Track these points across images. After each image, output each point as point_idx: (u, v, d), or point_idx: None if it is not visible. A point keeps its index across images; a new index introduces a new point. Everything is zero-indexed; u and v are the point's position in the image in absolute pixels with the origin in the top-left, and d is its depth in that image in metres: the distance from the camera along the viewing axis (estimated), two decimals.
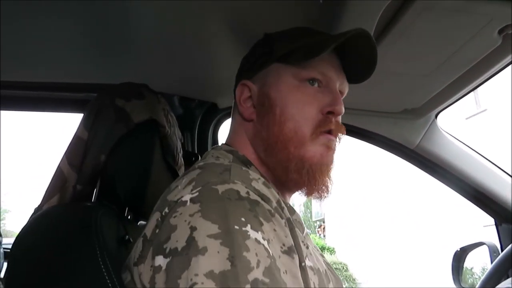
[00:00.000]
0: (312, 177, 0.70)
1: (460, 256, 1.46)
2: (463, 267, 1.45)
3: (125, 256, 0.80)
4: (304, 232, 0.71)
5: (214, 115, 1.49)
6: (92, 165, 0.84)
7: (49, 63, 1.26)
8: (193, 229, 0.52)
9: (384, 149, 1.41)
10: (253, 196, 0.57)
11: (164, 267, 0.53)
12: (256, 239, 0.52)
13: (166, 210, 0.58)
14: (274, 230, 0.55)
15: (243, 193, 0.57)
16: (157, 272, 0.53)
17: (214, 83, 1.34)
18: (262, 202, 0.58)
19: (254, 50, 0.80)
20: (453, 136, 1.34)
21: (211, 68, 1.25)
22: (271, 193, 0.62)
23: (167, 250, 0.53)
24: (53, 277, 0.65)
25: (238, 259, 0.49)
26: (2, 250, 0.62)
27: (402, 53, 0.93)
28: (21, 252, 0.69)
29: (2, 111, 1.58)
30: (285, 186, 0.74)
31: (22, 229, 0.75)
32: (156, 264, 0.54)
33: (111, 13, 0.98)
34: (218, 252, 0.50)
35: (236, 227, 0.52)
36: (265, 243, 0.52)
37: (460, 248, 1.48)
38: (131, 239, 0.84)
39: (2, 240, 0.61)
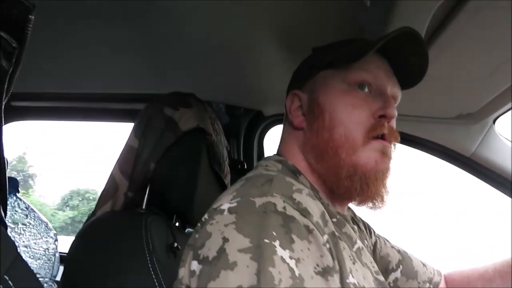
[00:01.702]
0: (365, 184, 0.66)
1: None
2: None
3: (173, 262, 0.82)
4: (355, 247, 0.69)
5: (260, 123, 1.49)
6: (143, 173, 0.87)
7: (102, 75, 1.32)
8: (225, 240, 0.52)
9: (437, 157, 1.34)
10: (290, 211, 0.56)
11: (197, 273, 0.53)
12: (282, 257, 0.50)
13: (206, 216, 0.59)
14: (308, 249, 0.53)
15: (279, 207, 0.56)
16: (192, 276, 0.54)
17: (260, 91, 1.35)
18: (300, 217, 0.56)
19: (303, 63, 0.81)
20: None
21: (257, 77, 1.25)
22: (316, 206, 0.60)
23: (201, 256, 0.54)
24: (105, 281, 0.66)
25: (263, 274, 0.48)
26: (58, 254, 0.65)
27: (456, 54, 0.88)
28: (76, 257, 0.72)
29: (58, 121, 1.67)
30: (337, 194, 0.71)
31: (77, 234, 0.78)
32: (192, 268, 0.55)
33: (160, 25, 1.01)
34: (247, 266, 0.49)
35: (266, 240, 0.51)
36: (292, 262, 0.51)
37: None
38: (179, 246, 0.86)
39: (58, 245, 0.64)
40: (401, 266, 0.90)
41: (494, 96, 1.07)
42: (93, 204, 0.88)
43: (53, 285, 0.61)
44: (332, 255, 0.56)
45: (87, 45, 1.12)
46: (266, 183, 0.61)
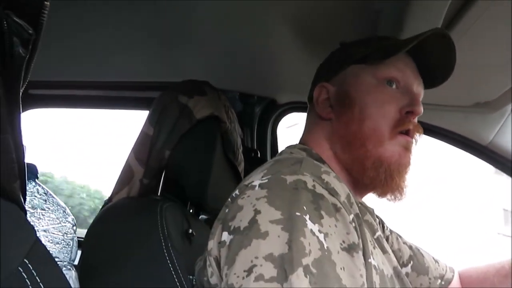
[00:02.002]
0: (389, 176, 0.69)
1: None
2: None
3: (188, 248, 0.83)
4: (376, 234, 0.70)
5: (274, 111, 1.48)
6: (158, 160, 0.88)
7: (117, 63, 1.33)
8: (257, 212, 0.54)
9: (454, 146, 1.33)
10: (319, 189, 0.58)
11: (227, 243, 0.56)
12: (311, 230, 0.52)
13: (237, 192, 0.61)
14: (335, 225, 0.55)
15: (309, 185, 0.58)
16: (222, 247, 0.57)
17: (273, 79, 1.34)
18: (328, 196, 0.58)
19: (331, 57, 0.83)
20: None
21: (271, 65, 1.24)
22: (342, 187, 0.62)
23: (232, 227, 0.56)
24: (122, 265, 0.68)
25: (295, 243, 0.51)
26: (76, 239, 0.66)
27: (474, 42, 0.86)
28: (93, 241, 0.73)
29: (74, 109, 1.70)
30: (360, 184, 0.74)
31: (94, 220, 0.79)
32: (222, 239, 0.57)
33: (175, 12, 1.01)
34: (278, 236, 0.52)
35: (298, 213, 0.53)
36: (321, 236, 0.53)
37: None
38: (194, 232, 0.87)
39: (76, 230, 0.66)
40: (412, 262, 0.90)
41: None
42: None
43: (71, 269, 0.62)
44: (357, 234, 0.58)
45: (103, 34, 1.13)
46: (296, 163, 0.63)
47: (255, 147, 1.47)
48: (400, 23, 0.83)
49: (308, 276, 0.49)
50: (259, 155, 1.42)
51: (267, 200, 0.55)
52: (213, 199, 0.92)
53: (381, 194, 0.73)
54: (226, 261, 0.55)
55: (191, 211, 0.99)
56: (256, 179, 0.61)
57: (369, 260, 0.59)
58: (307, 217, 0.53)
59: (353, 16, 0.93)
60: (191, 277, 0.77)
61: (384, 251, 0.70)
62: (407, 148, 0.71)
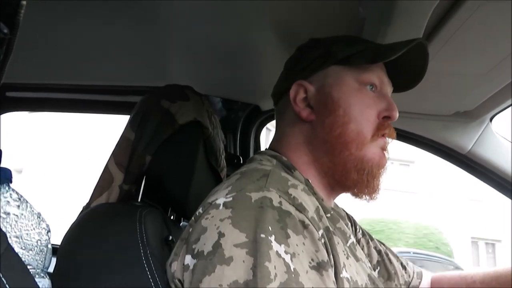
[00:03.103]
0: (371, 177, 0.71)
1: None
2: None
3: (168, 255, 0.81)
4: (349, 242, 0.70)
5: (257, 117, 1.48)
6: (138, 165, 0.86)
7: (97, 67, 1.31)
8: (221, 235, 0.53)
9: (434, 154, 1.34)
10: (286, 206, 0.56)
11: (191, 267, 0.54)
12: (277, 252, 0.51)
13: (200, 210, 0.60)
14: (303, 243, 0.54)
15: (275, 202, 0.56)
16: (185, 271, 0.55)
17: (257, 85, 1.34)
18: (295, 212, 0.56)
19: (306, 52, 0.80)
20: (510, 141, 1.26)
21: (255, 71, 1.24)
22: (311, 201, 0.61)
23: (195, 251, 0.55)
24: (99, 272, 0.66)
25: (259, 269, 0.49)
26: (50, 246, 0.64)
27: (456, 51, 0.88)
28: (69, 248, 0.71)
29: (53, 113, 1.66)
30: (339, 186, 0.74)
31: (71, 226, 0.77)
32: (185, 262, 0.56)
33: (158, 17, 1.00)
34: (243, 261, 0.50)
35: (262, 235, 0.52)
36: (287, 257, 0.52)
37: None
38: (174, 239, 0.85)
39: (50, 236, 0.64)
40: (379, 267, 0.91)
41: (491, 94, 1.07)
42: None
43: (45, 277, 0.60)
44: (327, 250, 0.57)
45: (83, 36, 1.11)
46: (261, 178, 0.61)
47: (238, 153, 1.46)
48: (383, 31, 0.83)
49: None
50: (241, 161, 1.41)
51: (231, 222, 0.54)
52: (195, 205, 0.90)
53: (359, 194, 0.74)
54: (190, 287, 0.53)
55: (171, 217, 0.97)
56: (220, 196, 0.59)
57: (341, 275, 0.58)
58: (272, 238, 0.52)
59: (338, 24, 0.94)
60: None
61: (357, 259, 0.70)
62: (385, 150, 0.73)
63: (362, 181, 0.70)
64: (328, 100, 0.72)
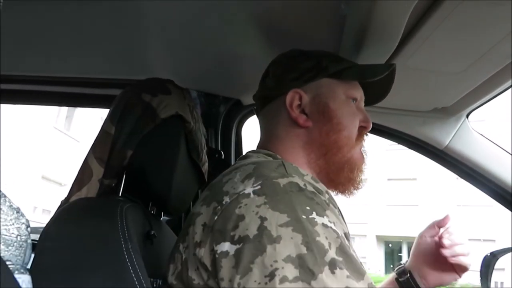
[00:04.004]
0: (358, 174, 0.83)
1: (489, 261, 1.41)
2: (492, 272, 1.40)
3: (150, 250, 0.81)
4: (346, 230, 0.77)
5: (238, 112, 1.48)
6: (119, 160, 0.85)
7: (77, 59, 1.28)
8: (263, 219, 0.57)
9: (412, 149, 1.37)
10: (310, 188, 0.64)
11: (232, 253, 0.57)
12: (323, 223, 0.58)
13: (227, 199, 0.63)
14: (334, 216, 0.62)
15: (301, 185, 0.63)
16: (223, 257, 0.58)
17: (239, 80, 1.34)
18: (318, 193, 0.64)
19: (297, 62, 0.86)
20: (485, 137, 1.29)
21: (237, 65, 1.24)
22: (321, 186, 0.68)
23: (236, 237, 0.58)
24: (79, 268, 0.65)
25: (314, 244, 0.55)
26: (30, 241, 0.63)
27: (434, 49, 0.89)
28: (48, 244, 0.70)
29: (32, 105, 1.62)
30: (333, 184, 0.83)
31: (49, 221, 0.75)
32: (222, 249, 0.58)
33: (139, 9, 0.98)
34: (291, 238, 0.55)
35: (304, 216, 0.57)
36: (332, 225, 0.59)
37: (490, 253, 1.43)
38: (155, 234, 0.85)
39: (30, 231, 0.62)
40: None
41: (468, 91, 1.10)
42: None
43: (25, 272, 0.59)
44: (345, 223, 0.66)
45: (60, 26, 1.09)
46: (279, 167, 0.68)
47: (219, 148, 1.46)
48: (363, 28, 0.85)
49: (337, 268, 0.54)
50: (222, 156, 1.41)
51: (269, 206, 0.58)
52: (176, 200, 0.90)
53: (346, 190, 0.84)
54: (238, 270, 0.55)
55: (152, 212, 0.97)
56: (247, 186, 0.63)
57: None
58: (314, 214, 0.58)
59: (320, 20, 0.95)
60: (152, 279, 0.75)
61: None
62: (363, 149, 0.86)
63: (353, 176, 0.82)
64: (325, 109, 0.82)
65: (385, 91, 0.92)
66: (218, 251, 0.58)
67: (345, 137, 0.81)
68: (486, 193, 1.35)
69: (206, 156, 1.06)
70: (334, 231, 0.58)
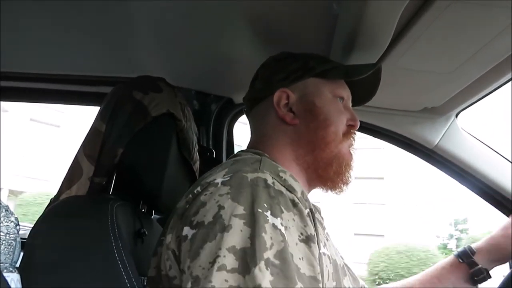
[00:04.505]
0: (346, 169, 0.84)
1: None
2: None
3: (140, 248, 0.81)
4: (325, 231, 0.79)
5: (230, 110, 1.48)
6: (109, 158, 0.85)
7: (69, 56, 1.27)
8: (221, 207, 0.59)
9: (402, 148, 1.38)
10: (278, 186, 0.64)
11: (189, 237, 0.59)
12: (273, 224, 0.58)
13: (199, 189, 0.66)
14: (293, 219, 0.61)
15: (269, 182, 0.63)
16: (183, 241, 0.60)
17: (230, 78, 1.34)
18: (286, 192, 0.64)
19: (285, 63, 0.88)
20: (474, 137, 1.31)
21: (228, 64, 1.24)
22: (297, 185, 0.68)
23: (195, 222, 0.60)
24: (69, 266, 0.65)
25: (257, 239, 0.56)
26: (19, 239, 0.62)
27: (424, 50, 0.90)
28: (38, 241, 0.69)
29: (24, 103, 1.61)
30: (317, 180, 0.84)
31: (39, 219, 0.75)
32: (183, 233, 0.61)
33: (130, 6, 0.98)
34: (241, 230, 0.56)
35: (259, 210, 0.58)
36: (282, 228, 0.58)
37: None
38: (146, 232, 0.84)
39: (19, 229, 0.62)
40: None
41: (457, 92, 1.11)
42: None
43: (14, 271, 0.58)
44: (313, 226, 0.65)
45: (52, 24, 1.08)
46: (255, 162, 0.69)
47: (211, 147, 1.46)
48: (354, 28, 0.85)
49: (269, 268, 0.54)
50: (214, 154, 1.41)
51: (230, 196, 0.60)
52: (167, 198, 0.90)
53: (334, 186, 0.84)
54: (189, 254, 0.58)
55: (143, 210, 0.97)
56: (218, 177, 0.65)
57: (321, 251, 0.65)
58: (268, 213, 0.59)
59: (312, 20, 0.95)
60: (142, 277, 0.74)
61: (332, 245, 0.79)
62: (351, 148, 0.87)
63: (342, 171, 0.83)
64: (311, 107, 0.83)
65: (372, 91, 0.93)
66: (182, 235, 0.61)
67: (332, 132, 0.82)
68: (474, 192, 1.36)
69: (197, 154, 1.06)
70: (282, 234, 0.58)
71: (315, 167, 0.83)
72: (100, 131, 0.86)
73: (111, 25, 1.07)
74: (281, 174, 0.67)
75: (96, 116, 0.89)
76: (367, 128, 1.35)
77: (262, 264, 0.54)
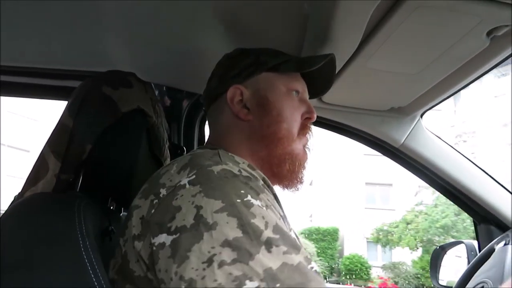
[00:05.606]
0: (299, 168, 0.84)
1: (438, 254, 1.49)
2: (441, 265, 1.48)
3: (108, 246, 0.79)
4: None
5: (202, 107, 1.47)
6: (77, 154, 0.83)
7: (35, 49, 1.23)
8: (199, 208, 0.59)
9: (369, 147, 1.42)
10: (244, 173, 0.66)
11: (168, 243, 0.58)
12: (258, 205, 0.60)
13: (164, 192, 0.64)
14: (269, 200, 0.64)
15: (235, 171, 0.65)
16: (160, 249, 0.58)
17: (202, 75, 1.32)
18: (253, 178, 0.67)
19: (238, 60, 0.89)
20: (437, 136, 1.36)
21: (200, 60, 1.23)
22: (257, 173, 0.71)
23: (173, 228, 0.59)
24: (35, 265, 0.63)
25: (248, 226, 0.56)
26: None
27: (391, 52, 0.93)
28: (1, 240, 0.67)
29: None
30: (276, 176, 0.84)
31: (2, 216, 0.73)
32: (159, 241, 0.59)
33: (100, 0, 0.96)
34: (227, 223, 0.57)
35: (238, 200, 0.59)
36: (265, 207, 0.61)
37: (439, 246, 1.51)
38: (114, 229, 0.83)
39: None
40: None
41: (422, 92, 1.15)
42: None
43: None
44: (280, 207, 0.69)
45: (17, 15, 1.04)
46: (214, 156, 0.70)
47: (182, 144, 1.45)
48: (325, 28, 0.87)
49: (272, 248, 0.55)
50: (185, 152, 1.40)
51: (204, 194, 0.60)
52: (136, 195, 0.89)
53: (290, 184, 0.85)
54: (174, 260, 0.56)
55: (112, 207, 0.95)
56: (182, 177, 0.64)
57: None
58: (249, 197, 0.60)
59: (283, 18, 0.96)
60: None
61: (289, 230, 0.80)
62: (307, 147, 0.87)
63: (295, 171, 0.83)
64: (264, 102, 0.83)
65: (328, 82, 0.94)
66: (156, 244, 0.59)
67: (285, 129, 0.82)
68: (436, 189, 1.42)
69: (168, 151, 1.05)
70: (269, 212, 0.60)
71: (270, 163, 0.83)
72: (67, 126, 0.84)
73: (80, 17, 1.04)
74: (240, 165, 0.70)
75: (64, 111, 0.87)
76: (335, 127, 1.37)
77: (263, 248, 0.55)
